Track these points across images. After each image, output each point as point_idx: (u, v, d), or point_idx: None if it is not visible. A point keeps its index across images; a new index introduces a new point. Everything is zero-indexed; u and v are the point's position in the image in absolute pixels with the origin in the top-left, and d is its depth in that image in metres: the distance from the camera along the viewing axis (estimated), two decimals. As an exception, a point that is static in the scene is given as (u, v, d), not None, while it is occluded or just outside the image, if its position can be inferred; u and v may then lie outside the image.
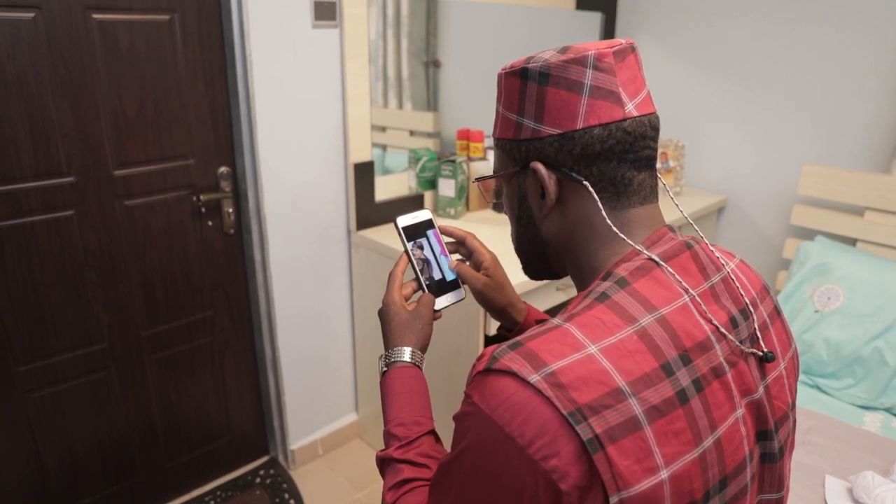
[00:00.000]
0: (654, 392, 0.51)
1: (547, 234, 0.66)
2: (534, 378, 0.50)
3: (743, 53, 2.31)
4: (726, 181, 2.48)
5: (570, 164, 0.60)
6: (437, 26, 2.23)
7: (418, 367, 0.81)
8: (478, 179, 0.76)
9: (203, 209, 1.73)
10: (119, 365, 1.67)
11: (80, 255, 1.54)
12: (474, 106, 2.39)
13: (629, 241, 0.60)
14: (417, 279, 0.88)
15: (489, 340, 1.66)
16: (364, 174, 1.92)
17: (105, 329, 1.62)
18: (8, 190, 1.40)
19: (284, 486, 1.98)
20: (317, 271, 1.94)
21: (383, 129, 2.29)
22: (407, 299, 0.87)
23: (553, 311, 2.18)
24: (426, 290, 0.87)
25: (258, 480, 1.99)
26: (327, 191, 1.89)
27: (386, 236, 1.90)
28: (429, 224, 0.92)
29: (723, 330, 0.57)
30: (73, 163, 1.47)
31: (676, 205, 0.72)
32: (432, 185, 2.16)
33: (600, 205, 0.60)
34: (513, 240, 0.74)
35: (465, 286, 0.90)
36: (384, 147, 2.28)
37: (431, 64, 2.31)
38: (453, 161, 2.06)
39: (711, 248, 0.65)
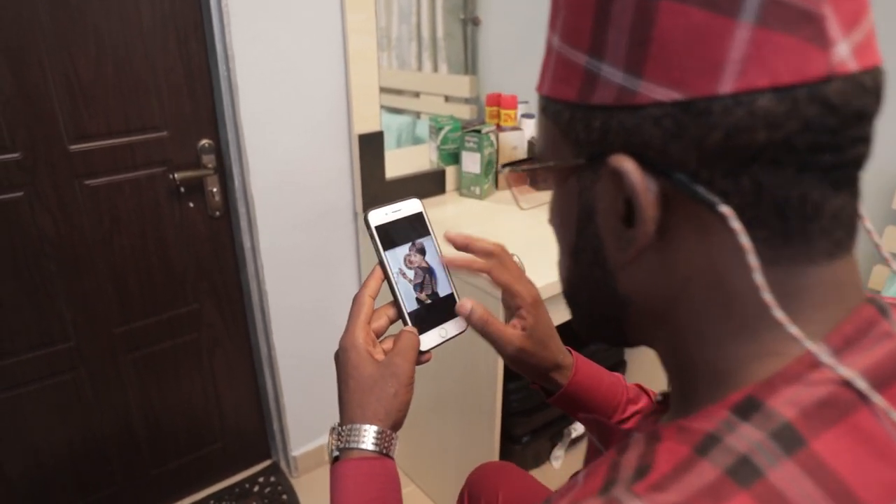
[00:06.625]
0: None
1: (628, 288, 0.37)
2: None
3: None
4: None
5: (694, 167, 0.30)
6: (475, -22, 1.96)
7: (387, 456, 0.54)
8: (507, 165, 0.46)
9: (182, 189, 1.50)
10: (89, 365, 1.48)
11: (35, 242, 1.33)
12: (517, 69, 2.08)
13: (803, 337, 0.30)
14: (397, 305, 0.60)
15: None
16: (371, 147, 1.65)
17: (70, 326, 1.43)
18: (-60, 168, 1.21)
19: (284, 496, 1.77)
20: (318, 259, 1.69)
21: (417, 94, 2.06)
22: (378, 336, 0.59)
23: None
24: (408, 322, 0.59)
25: (256, 489, 1.80)
26: (328, 167, 1.63)
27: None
28: (418, 220, 0.63)
29: None
30: (17, 136, 1.26)
31: (886, 259, 0.37)
32: (456, 158, 1.86)
33: (752, 256, 0.30)
34: (561, 278, 0.43)
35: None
36: (418, 114, 2.05)
37: (470, 21, 2.04)
38: (478, 131, 1.76)
39: None
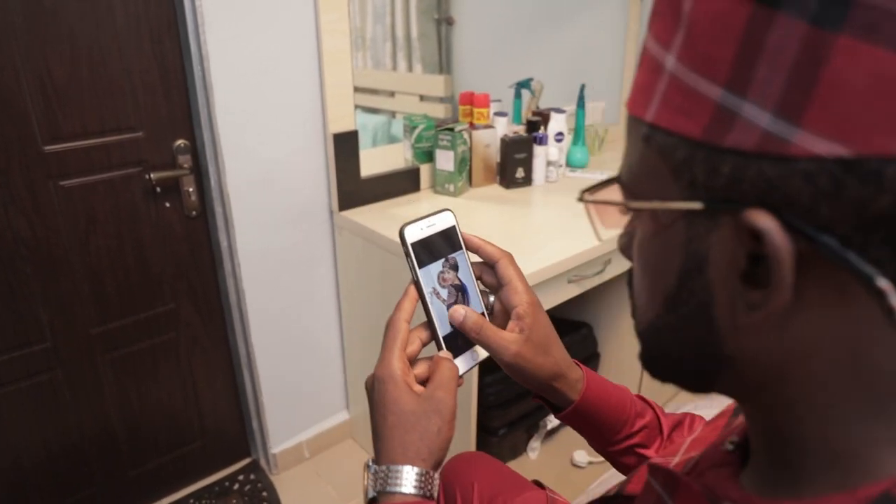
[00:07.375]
0: None
1: (735, 349, 0.32)
2: None
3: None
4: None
5: (847, 231, 0.25)
6: (448, -22, 1.99)
7: (430, 498, 0.50)
8: (585, 191, 0.39)
9: (158, 189, 1.50)
10: (66, 366, 1.48)
11: (10, 244, 1.33)
12: (491, 67, 2.12)
13: None
14: (431, 328, 0.57)
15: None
16: (346, 146, 1.67)
17: (46, 327, 1.43)
18: (-88, 170, 1.20)
19: (264, 493, 1.79)
20: (296, 258, 1.71)
21: (392, 93, 2.08)
22: (412, 360, 0.56)
23: (566, 308, 1.88)
24: (443, 346, 0.57)
25: (236, 487, 1.81)
26: (304, 166, 1.64)
27: (372, 218, 1.65)
28: (451, 234, 0.60)
29: None
30: (-10, 137, 1.26)
31: None
32: (430, 157, 1.89)
33: None
34: (639, 318, 0.38)
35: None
36: (393, 114, 2.07)
37: (444, 21, 2.07)
38: (451, 129, 1.79)
39: None
